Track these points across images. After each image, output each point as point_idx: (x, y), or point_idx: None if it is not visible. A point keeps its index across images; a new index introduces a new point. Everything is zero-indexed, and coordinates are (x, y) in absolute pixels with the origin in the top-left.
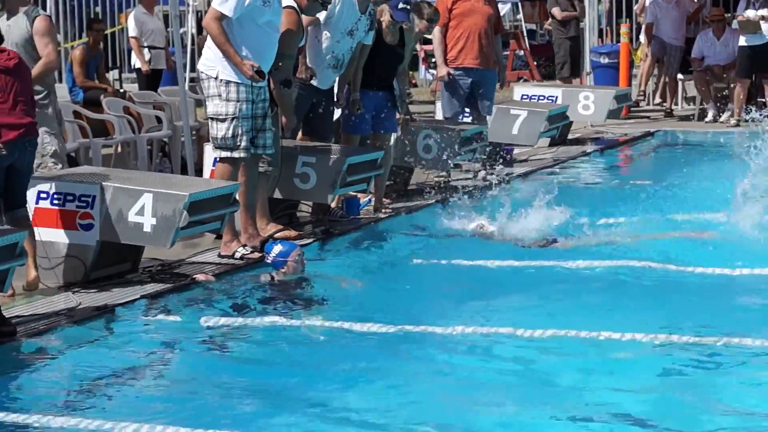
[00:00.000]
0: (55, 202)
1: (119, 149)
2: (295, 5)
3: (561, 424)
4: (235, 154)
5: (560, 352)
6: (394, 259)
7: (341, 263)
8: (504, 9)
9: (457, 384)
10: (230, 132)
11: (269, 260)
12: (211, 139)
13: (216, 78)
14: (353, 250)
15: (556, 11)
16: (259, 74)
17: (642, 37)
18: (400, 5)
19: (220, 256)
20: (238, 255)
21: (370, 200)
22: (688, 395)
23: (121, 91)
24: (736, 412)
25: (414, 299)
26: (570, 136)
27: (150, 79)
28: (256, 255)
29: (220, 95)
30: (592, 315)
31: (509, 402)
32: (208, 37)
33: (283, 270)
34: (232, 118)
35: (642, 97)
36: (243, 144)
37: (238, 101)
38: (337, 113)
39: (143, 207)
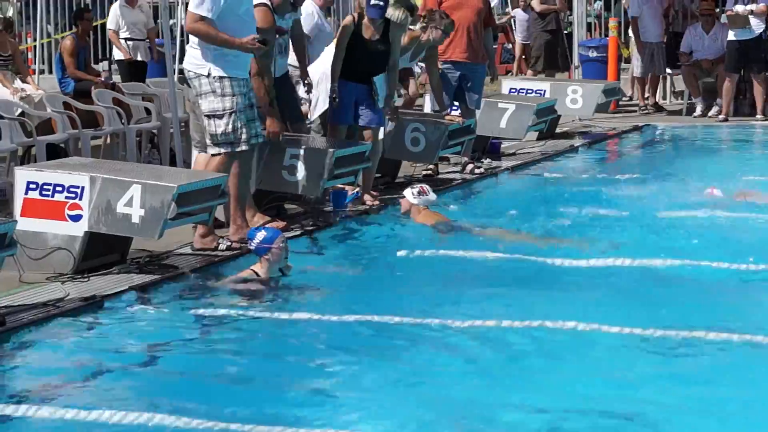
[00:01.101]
0: (44, 192)
1: (108, 140)
2: (268, 3)
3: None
4: (238, 148)
5: (543, 343)
6: (380, 251)
7: (328, 255)
8: (494, 1)
9: (443, 375)
10: (230, 126)
11: (252, 247)
12: (208, 136)
13: (208, 75)
14: (340, 242)
15: (535, 3)
16: (262, 43)
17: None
18: (372, 1)
19: (193, 249)
20: (222, 246)
21: (357, 193)
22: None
23: (111, 82)
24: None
25: (400, 291)
26: (558, 130)
27: (132, 70)
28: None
29: (214, 92)
30: (582, 308)
31: (500, 393)
32: (191, 38)
33: (266, 257)
34: (230, 113)
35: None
36: (244, 136)
37: (233, 95)
38: (323, 107)
39: (132, 198)
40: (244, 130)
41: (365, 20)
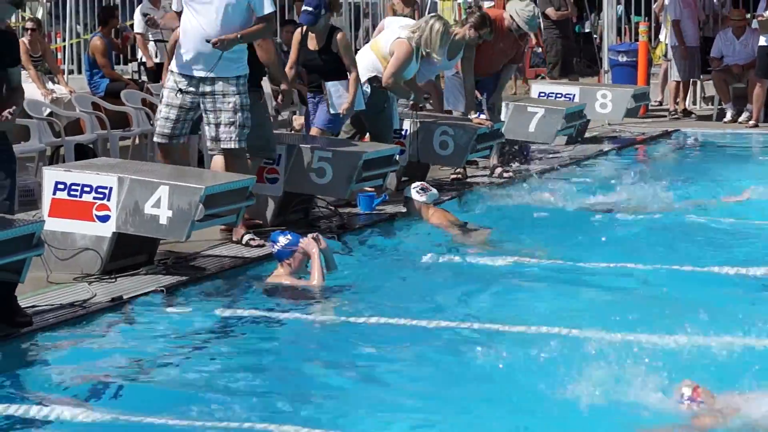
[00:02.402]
0: (72, 193)
1: (137, 141)
2: None
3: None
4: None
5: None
6: (406, 255)
7: (355, 258)
8: None
9: (464, 377)
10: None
11: (275, 250)
12: (238, 130)
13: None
14: (367, 246)
15: (550, 11)
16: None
17: (662, 36)
18: (303, 7)
19: (233, 241)
20: (245, 240)
21: (385, 196)
22: None
23: (140, 82)
24: None
25: (425, 294)
26: (587, 135)
27: (159, 71)
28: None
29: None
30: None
31: (521, 397)
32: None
33: (288, 261)
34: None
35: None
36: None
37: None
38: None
39: (159, 199)
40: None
41: (310, 31)
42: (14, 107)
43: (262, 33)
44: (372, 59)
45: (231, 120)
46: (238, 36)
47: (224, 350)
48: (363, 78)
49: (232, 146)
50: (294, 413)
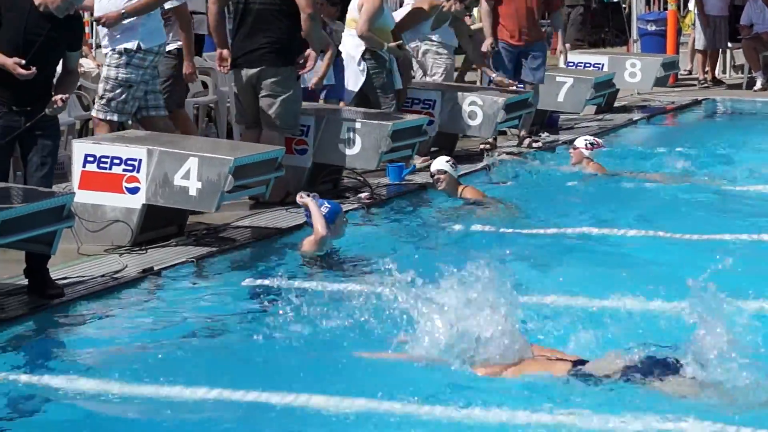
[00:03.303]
0: (102, 165)
1: None
2: None
3: None
4: None
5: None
6: (436, 225)
7: (383, 229)
8: None
9: None
10: None
11: (307, 217)
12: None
13: None
14: (396, 216)
15: None
16: None
17: (690, 4)
18: None
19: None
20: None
21: (414, 166)
22: None
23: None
24: None
25: (455, 266)
26: (616, 104)
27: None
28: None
29: None
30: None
31: None
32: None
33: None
34: None
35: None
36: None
37: None
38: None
39: (189, 171)
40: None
41: None
42: (66, 95)
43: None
44: (351, 35)
45: (101, 89)
46: (122, 12)
47: (254, 321)
48: (357, 55)
49: (95, 115)
50: (324, 383)
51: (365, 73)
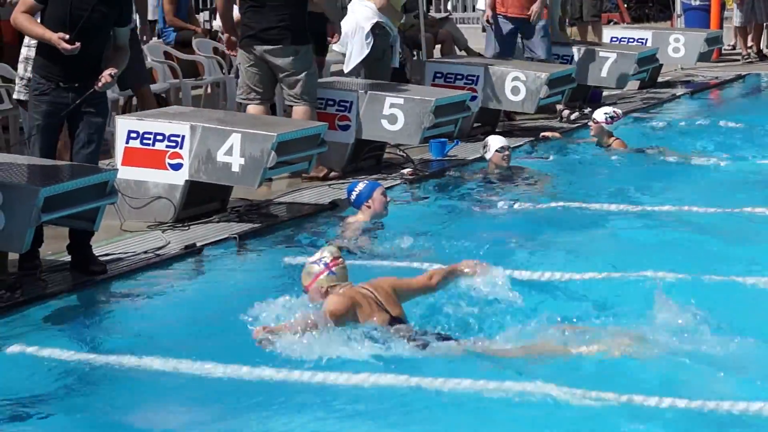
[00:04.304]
0: (145, 141)
1: (209, 90)
2: None
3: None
4: None
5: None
6: (479, 201)
7: (426, 204)
8: None
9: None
10: None
11: (352, 198)
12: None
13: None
14: (438, 192)
15: None
16: None
17: None
18: None
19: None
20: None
21: (458, 141)
22: None
23: (212, 31)
24: None
25: (499, 242)
26: (660, 79)
27: None
28: None
29: None
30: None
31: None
32: None
33: (367, 204)
34: None
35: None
36: None
37: None
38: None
39: (232, 147)
40: None
41: None
42: (115, 69)
43: None
44: (365, 6)
45: None
46: None
47: (297, 297)
48: (367, 27)
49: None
50: (369, 363)
51: (371, 46)
